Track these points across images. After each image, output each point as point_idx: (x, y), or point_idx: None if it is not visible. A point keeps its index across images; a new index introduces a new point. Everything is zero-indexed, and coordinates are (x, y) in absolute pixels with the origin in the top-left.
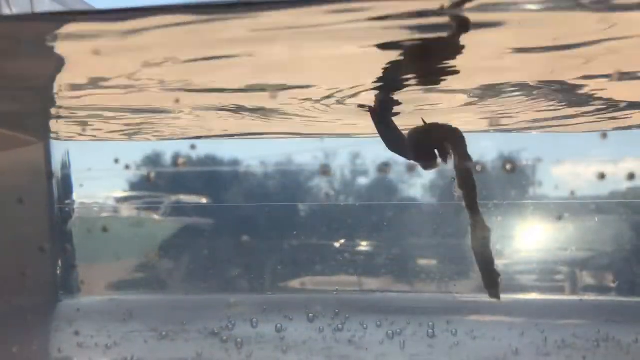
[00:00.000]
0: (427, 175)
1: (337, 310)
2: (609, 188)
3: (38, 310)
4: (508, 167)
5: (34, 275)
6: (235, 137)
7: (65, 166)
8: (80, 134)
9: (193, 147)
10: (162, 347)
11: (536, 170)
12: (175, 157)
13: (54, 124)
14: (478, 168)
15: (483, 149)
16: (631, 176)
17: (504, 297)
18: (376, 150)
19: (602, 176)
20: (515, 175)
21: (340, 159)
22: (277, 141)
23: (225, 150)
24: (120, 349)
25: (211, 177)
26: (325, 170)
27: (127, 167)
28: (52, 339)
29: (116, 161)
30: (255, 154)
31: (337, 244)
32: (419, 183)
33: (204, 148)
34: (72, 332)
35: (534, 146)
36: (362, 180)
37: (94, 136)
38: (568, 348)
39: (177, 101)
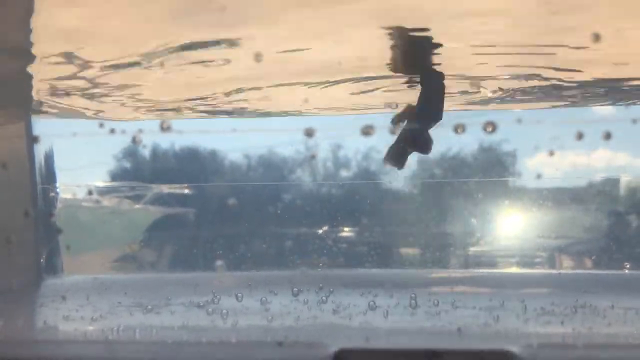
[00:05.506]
0: None
1: (321, 285)
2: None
3: (23, 288)
4: (489, 129)
5: (18, 257)
6: None
7: (49, 155)
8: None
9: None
10: (148, 318)
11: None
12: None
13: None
14: None
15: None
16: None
17: (486, 271)
18: None
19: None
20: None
21: None
22: None
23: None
24: (107, 321)
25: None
26: None
27: (112, 131)
28: (37, 313)
29: (101, 125)
30: None
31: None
32: None
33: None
34: (56, 307)
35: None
36: None
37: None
38: (547, 314)
39: None
